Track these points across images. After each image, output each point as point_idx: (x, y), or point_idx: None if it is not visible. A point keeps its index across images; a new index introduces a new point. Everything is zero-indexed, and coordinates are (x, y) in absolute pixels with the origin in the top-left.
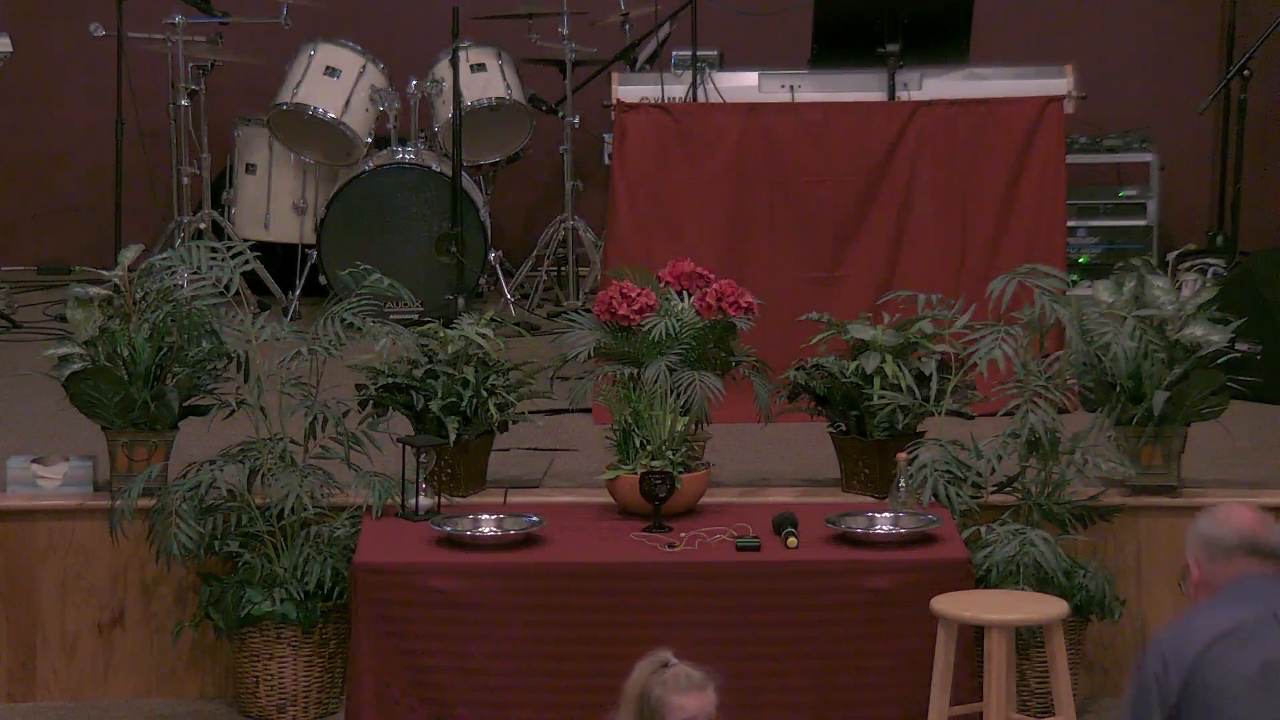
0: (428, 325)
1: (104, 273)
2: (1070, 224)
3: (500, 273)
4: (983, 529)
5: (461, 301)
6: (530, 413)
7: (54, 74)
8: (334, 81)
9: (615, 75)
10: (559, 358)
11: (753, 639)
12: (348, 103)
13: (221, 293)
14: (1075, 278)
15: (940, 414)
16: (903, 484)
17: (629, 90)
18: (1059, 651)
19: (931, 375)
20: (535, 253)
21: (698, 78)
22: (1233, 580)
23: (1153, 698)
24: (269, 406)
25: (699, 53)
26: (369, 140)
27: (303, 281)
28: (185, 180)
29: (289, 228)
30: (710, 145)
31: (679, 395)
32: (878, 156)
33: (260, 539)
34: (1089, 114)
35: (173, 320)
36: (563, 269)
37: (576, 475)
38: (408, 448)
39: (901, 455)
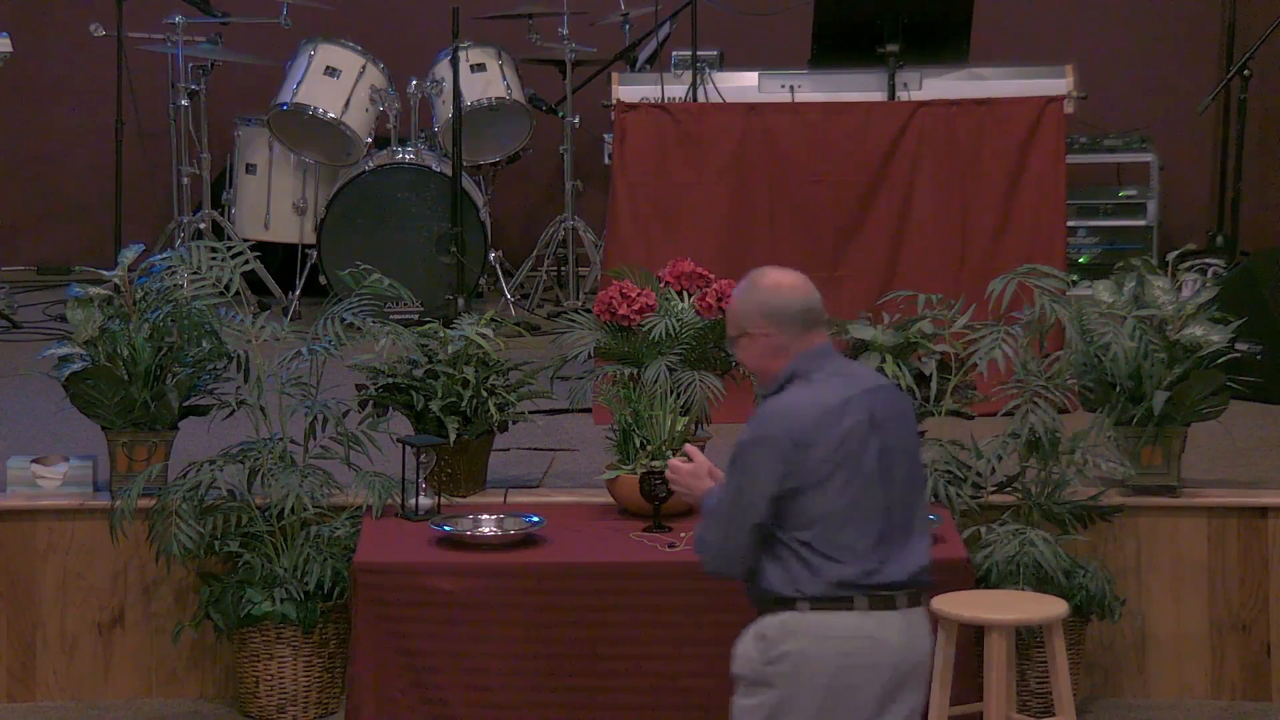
0: (428, 325)
1: (104, 273)
2: (1070, 224)
3: (500, 273)
4: (983, 529)
5: (461, 301)
6: (530, 413)
7: (54, 74)
8: (334, 81)
9: (615, 75)
10: (559, 358)
11: None
12: (348, 103)
13: (221, 293)
14: (1075, 278)
15: (940, 414)
16: None
17: (629, 90)
18: (1059, 651)
19: (931, 375)
20: (535, 253)
21: (698, 78)
22: (807, 352)
23: (773, 470)
24: (269, 406)
25: (699, 53)
26: (369, 140)
27: (303, 281)
28: (185, 180)
29: (289, 228)
30: (710, 145)
31: (679, 395)
32: (878, 156)
33: (260, 539)
34: (1089, 114)
35: (173, 320)
36: (563, 269)
37: (576, 475)
38: (408, 448)
39: None
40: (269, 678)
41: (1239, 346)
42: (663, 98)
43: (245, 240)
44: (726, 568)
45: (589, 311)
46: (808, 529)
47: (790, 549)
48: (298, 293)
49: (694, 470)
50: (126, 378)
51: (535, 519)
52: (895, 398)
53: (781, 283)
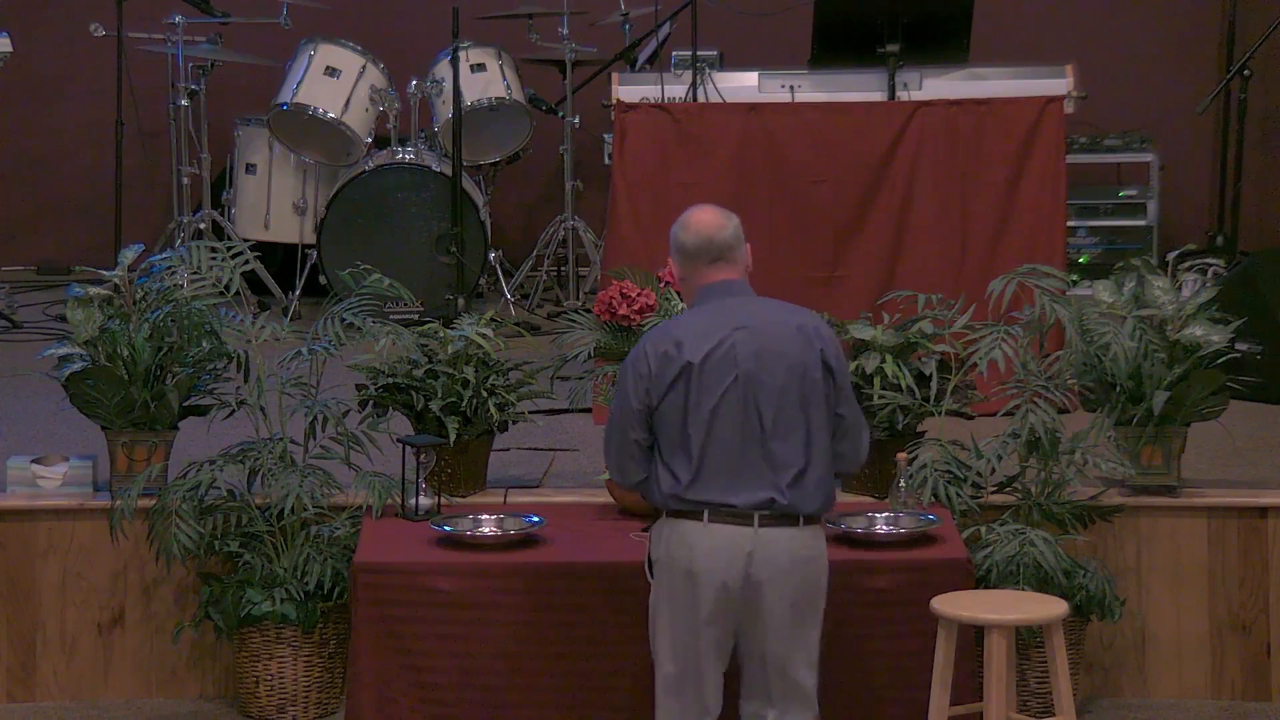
0: (428, 325)
1: (104, 273)
2: (1070, 224)
3: (500, 273)
4: (983, 529)
5: (461, 301)
6: (530, 413)
7: (54, 74)
8: (334, 81)
9: (615, 75)
10: (559, 358)
11: None
12: (348, 103)
13: (221, 293)
14: (1075, 278)
15: (940, 414)
16: (903, 484)
17: (629, 90)
18: (1059, 651)
19: (931, 375)
20: (535, 253)
21: (698, 78)
22: (707, 286)
23: (636, 388)
24: (269, 406)
25: (699, 53)
26: (369, 140)
27: (303, 281)
28: (185, 180)
29: (289, 228)
30: (710, 145)
31: None
32: (878, 156)
33: (260, 539)
34: (1089, 114)
35: (173, 320)
36: (563, 269)
37: (576, 475)
38: (408, 448)
39: (901, 455)
40: (269, 678)
41: (1239, 346)
42: (663, 98)
43: (245, 240)
44: (620, 476)
45: (589, 311)
46: (667, 444)
47: (660, 463)
48: (298, 293)
49: None
50: (126, 378)
51: (535, 519)
52: (775, 339)
53: (689, 220)
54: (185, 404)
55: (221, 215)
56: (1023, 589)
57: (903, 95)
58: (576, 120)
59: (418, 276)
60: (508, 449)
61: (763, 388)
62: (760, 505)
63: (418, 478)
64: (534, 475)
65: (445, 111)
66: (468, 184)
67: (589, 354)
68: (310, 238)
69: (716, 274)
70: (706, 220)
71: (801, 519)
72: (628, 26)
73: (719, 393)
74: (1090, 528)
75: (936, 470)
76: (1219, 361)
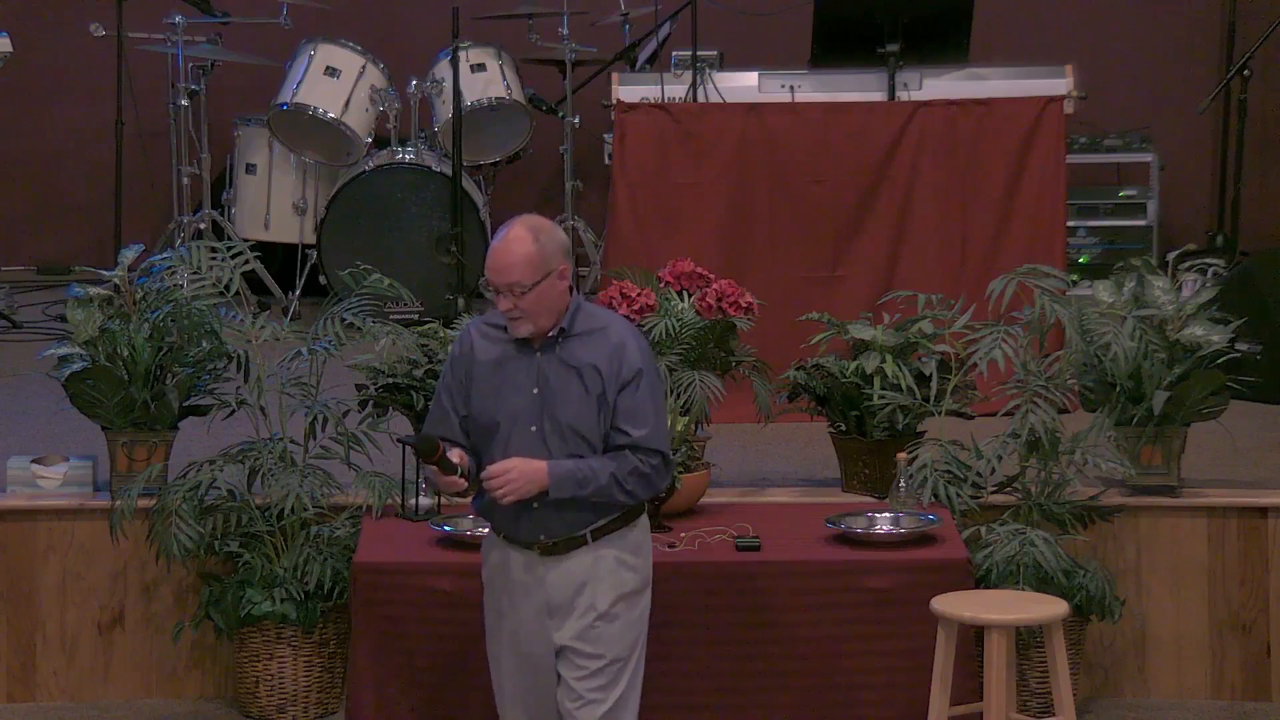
0: (428, 325)
1: (104, 273)
2: (1070, 224)
3: None
4: (983, 529)
5: (461, 301)
6: None
7: (54, 74)
8: (334, 81)
9: (615, 75)
10: None
11: (753, 639)
12: (348, 103)
13: (221, 293)
14: (1075, 278)
15: (940, 414)
16: (903, 484)
17: (629, 90)
18: (1059, 651)
19: (931, 375)
20: None
21: (698, 78)
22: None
23: None
24: (269, 406)
25: (699, 53)
26: (369, 140)
27: (303, 281)
28: (185, 180)
29: (289, 228)
30: (710, 145)
31: (679, 395)
32: (878, 156)
33: (260, 539)
34: (1089, 114)
35: (173, 320)
36: None
37: None
38: (408, 448)
39: (901, 455)
40: (269, 678)
41: (1239, 346)
42: (663, 98)
43: (245, 240)
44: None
45: None
46: None
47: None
48: (298, 293)
49: (511, 464)
50: (126, 378)
51: None
52: None
53: (555, 224)
54: (185, 404)
55: (221, 215)
56: (1023, 589)
57: (903, 95)
58: (576, 120)
59: (418, 276)
60: None
61: None
62: None
63: (418, 478)
64: None
65: (445, 111)
66: (468, 184)
67: None
68: (310, 238)
69: None
70: None
71: None
72: (628, 26)
73: None
74: (1090, 528)
75: (936, 470)
76: (1219, 361)
